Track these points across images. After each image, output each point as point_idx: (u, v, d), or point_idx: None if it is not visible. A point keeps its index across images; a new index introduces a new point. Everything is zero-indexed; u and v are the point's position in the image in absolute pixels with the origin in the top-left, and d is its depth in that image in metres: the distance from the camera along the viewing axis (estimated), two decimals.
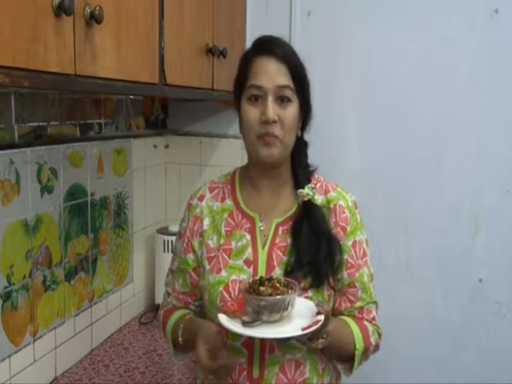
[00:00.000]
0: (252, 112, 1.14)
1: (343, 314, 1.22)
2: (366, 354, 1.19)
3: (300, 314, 1.05)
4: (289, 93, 1.13)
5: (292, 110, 1.14)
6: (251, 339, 1.13)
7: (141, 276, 2.07)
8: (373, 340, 1.19)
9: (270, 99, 1.12)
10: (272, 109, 1.11)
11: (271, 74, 1.12)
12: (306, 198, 1.19)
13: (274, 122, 1.12)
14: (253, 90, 1.14)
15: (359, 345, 1.16)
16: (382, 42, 1.94)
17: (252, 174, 1.24)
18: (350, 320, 1.19)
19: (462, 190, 1.93)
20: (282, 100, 1.13)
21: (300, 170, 1.23)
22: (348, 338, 1.16)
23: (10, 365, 1.37)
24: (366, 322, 1.21)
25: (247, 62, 1.17)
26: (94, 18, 0.96)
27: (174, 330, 1.22)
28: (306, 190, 1.19)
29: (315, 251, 1.15)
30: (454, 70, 1.89)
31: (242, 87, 1.16)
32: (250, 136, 1.15)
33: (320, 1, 1.98)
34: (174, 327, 1.23)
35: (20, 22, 0.81)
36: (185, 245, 1.25)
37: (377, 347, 1.23)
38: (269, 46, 1.16)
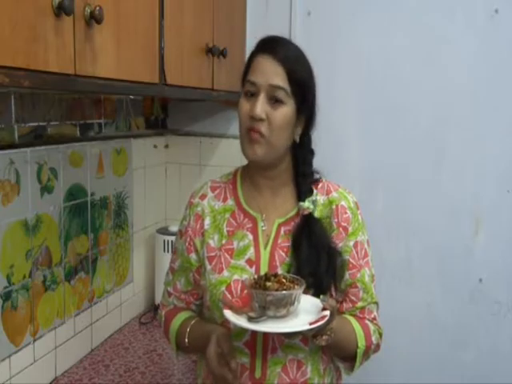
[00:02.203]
0: (245, 106, 1.15)
1: (345, 314, 1.22)
2: (367, 352, 1.19)
3: (306, 310, 1.05)
4: (282, 94, 1.12)
5: (283, 112, 1.13)
6: (253, 339, 1.14)
7: (141, 276, 2.07)
8: (374, 339, 1.20)
9: (262, 96, 1.12)
10: (261, 106, 1.12)
11: (266, 72, 1.13)
12: (306, 212, 1.18)
13: (261, 119, 1.12)
14: (248, 85, 1.15)
15: (361, 343, 1.16)
16: (382, 41, 1.94)
17: (252, 173, 1.24)
18: (351, 318, 1.20)
19: (462, 190, 1.93)
20: (275, 101, 1.13)
21: (303, 179, 1.22)
22: (350, 336, 1.16)
23: (9, 365, 1.37)
24: (367, 321, 1.21)
25: (250, 58, 1.19)
26: (94, 18, 0.96)
27: (180, 332, 1.22)
28: (307, 204, 1.18)
29: (315, 265, 1.15)
30: (454, 70, 1.89)
31: (243, 83, 1.18)
32: (240, 129, 1.17)
33: (320, 1, 1.98)
34: (180, 328, 1.23)
35: (20, 21, 0.81)
36: (187, 244, 1.24)
37: (378, 347, 1.24)
38: (270, 45, 1.16)
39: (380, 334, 1.23)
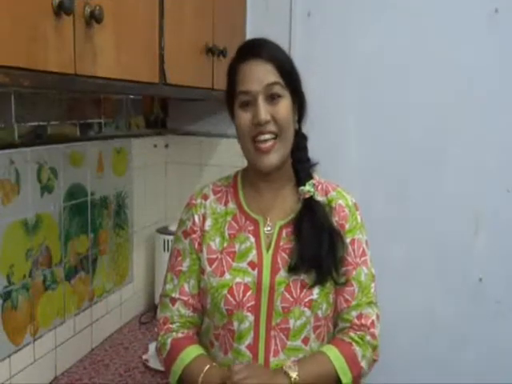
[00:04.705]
0: (244, 117, 1.15)
1: (342, 318, 1.22)
2: (358, 378, 1.17)
3: None
4: (278, 89, 1.14)
5: (284, 105, 1.14)
6: (256, 342, 1.14)
7: (141, 275, 2.07)
8: (364, 363, 1.17)
9: (261, 100, 1.13)
10: (263, 110, 1.12)
11: (258, 76, 1.13)
12: (307, 195, 1.20)
13: (267, 121, 1.12)
14: (242, 96, 1.15)
15: (346, 378, 1.14)
16: (382, 41, 1.94)
17: (253, 176, 1.24)
18: (333, 353, 1.16)
19: (462, 190, 1.93)
20: (273, 98, 1.14)
21: (301, 165, 1.23)
22: (329, 378, 1.14)
23: (10, 364, 1.37)
24: (355, 347, 1.17)
25: (234, 70, 1.18)
26: (94, 18, 0.96)
27: (189, 370, 1.15)
28: (307, 188, 1.20)
29: (317, 246, 1.15)
30: (453, 70, 1.89)
31: (233, 95, 1.17)
32: (245, 141, 1.16)
33: (320, 1, 1.98)
34: (190, 366, 1.16)
35: (20, 21, 0.81)
36: (196, 243, 1.23)
37: (373, 362, 1.22)
38: (251, 49, 1.17)
39: (374, 347, 1.20)
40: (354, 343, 1.18)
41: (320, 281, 1.15)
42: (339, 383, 1.14)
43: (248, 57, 1.15)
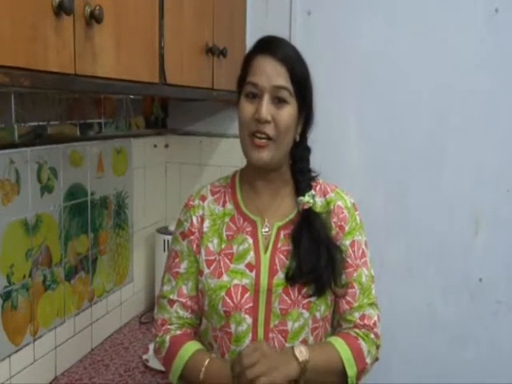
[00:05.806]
0: (247, 108, 1.14)
1: (345, 319, 1.21)
2: (360, 375, 1.17)
3: None
4: (285, 94, 1.12)
5: (288, 112, 1.13)
6: None
7: (141, 275, 2.07)
8: (369, 359, 1.17)
9: (266, 98, 1.12)
10: (266, 108, 1.11)
11: (269, 73, 1.12)
12: (306, 206, 1.19)
13: (267, 121, 1.11)
14: (250, 87, 1.14)
15: (351, 371, 1.14)
16: (382, 41, 1.94)
17: (251, 176, 1.24)
18: (340, 344, 1.16)
19: (462, 190, 1.93)
20: (279, 101, 1.13)
21: (301, 176, 1.22)
22: (335, 369, 1.14)
23: (10, 364, 1.37)
24: (361, 342, 1.17)
25: (248, 59, 1.18)
26: (94, 18, 0.96)
27: (190, 365, 1.15)
28: (307, 198, 1.19)
29: (316, 259, 1.15)
30: (454, 69, 1.89)
31: (242, 84, 1.17)
32: (243, 133, 1.15)
33: (320, 1, 1.98)
34: (190, 361, 1.15)
35: (20, 21, 0.81)
36: (194, 245, 1.23)
37: (375, 360, 1.22)
38: (270, 45, 1.16)
39: (378, 346, 1.21)
40: (360, 338, 1.18)
41: (319, 293, 1.15)
42: (343, 377, 1.14)
43: (264, 52, 1.14)
